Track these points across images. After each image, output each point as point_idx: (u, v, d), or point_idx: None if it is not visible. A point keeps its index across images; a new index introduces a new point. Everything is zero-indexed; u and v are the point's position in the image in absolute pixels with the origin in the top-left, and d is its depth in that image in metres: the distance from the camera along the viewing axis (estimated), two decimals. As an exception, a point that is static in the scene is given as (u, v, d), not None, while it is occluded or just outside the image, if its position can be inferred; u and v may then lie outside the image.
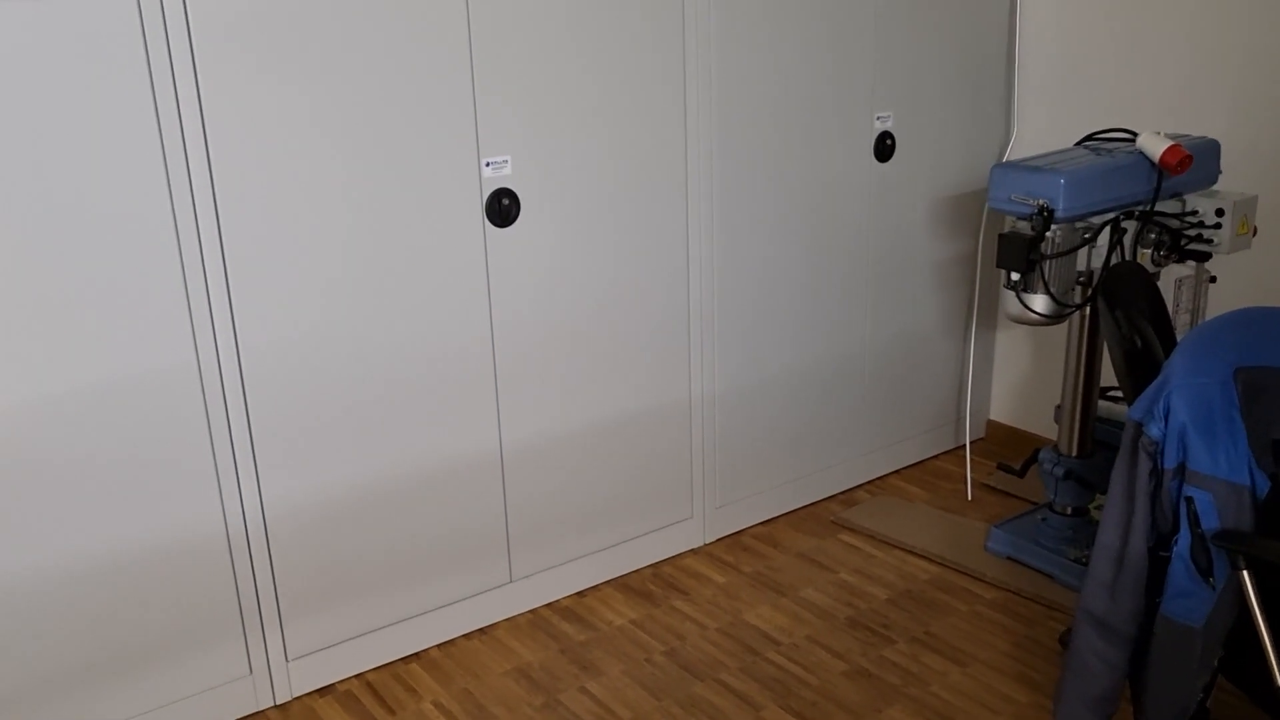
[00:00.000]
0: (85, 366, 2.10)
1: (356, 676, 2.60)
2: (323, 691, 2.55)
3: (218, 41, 2.10)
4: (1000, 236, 2.61)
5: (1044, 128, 3.37)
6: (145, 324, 2.15)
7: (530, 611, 2.85)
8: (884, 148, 3.17)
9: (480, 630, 2.77)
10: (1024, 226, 2.61)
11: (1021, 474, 3.07)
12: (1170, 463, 1.90)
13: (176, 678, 2.35)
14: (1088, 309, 2.79)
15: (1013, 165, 2.63)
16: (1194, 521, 1.88)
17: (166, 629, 2.32)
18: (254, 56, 2.14)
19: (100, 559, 2.20)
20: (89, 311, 2.08)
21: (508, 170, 2.50)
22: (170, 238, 2.14)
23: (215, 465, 2.29)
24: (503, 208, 2.51)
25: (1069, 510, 2.96)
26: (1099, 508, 3.00)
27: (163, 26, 2.04)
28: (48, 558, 2.14)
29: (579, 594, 2.92)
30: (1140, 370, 2.23)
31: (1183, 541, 1.92)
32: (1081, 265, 2.68)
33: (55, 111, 1.97)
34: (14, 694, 2.16)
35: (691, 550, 3.13)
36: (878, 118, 3.14)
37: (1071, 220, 2.60)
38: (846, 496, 3.42)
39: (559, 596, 2.90)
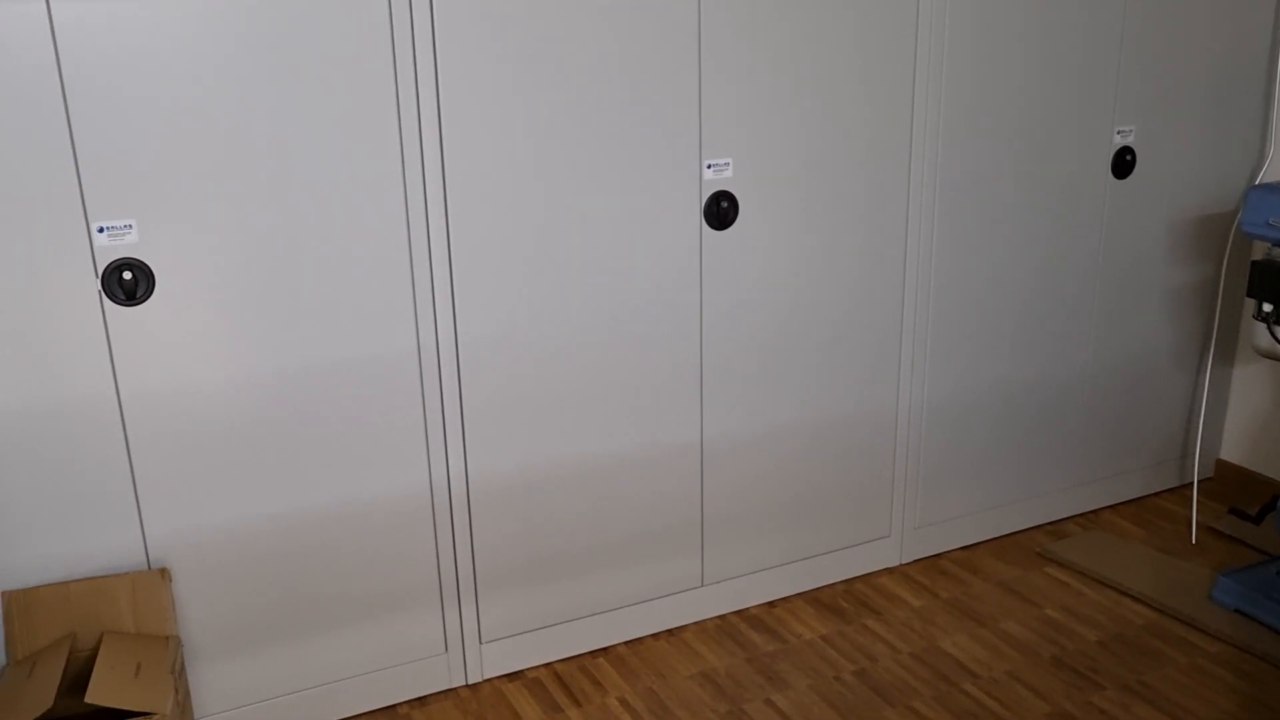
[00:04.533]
0: (323, 344, 2.21)
1: (545, 665, 2.64)
2: (512, 677, 2.60)
3: (457, 40, 2.16)
4: (1253, 264, 2.42)
5: (1306, 148, 3.11)
6: (376, 312, 2.23)
7: (719, 617, 2.82)
8: (1123, 163, 2.99)
9: (669, 631, 2.76)
10: (1281, 254, 2.42)
11: (1257, 520, 2.84)
12: None
13: (378, 646, 2.44)
14: (1348, 348, 2.55)
15: (1272, 187, 2.43)
16: None
17: (373, 596, 2.41)
18: (491, 56, 2.19)
19: (319, 520, 2.31)
20: (330, 297, 2.18)
21: (729, 173, 2.48)
22: (402, 234, 2.21)
23: (427, 443, 2.36)
24: (721, 210, 2.49)
25: (1310, 565, 2.72)
26: (1345, 565, 2.75)
27: (409, 25, 2.11)
28: (277, 510, 2.26)
29: (769, 604, 2.88)
30: None
31: None
32: (1345, 300, 2.46)
33: (306, 107, 2.07)
34: (216, 642, 2.29)
35: (886, 569, 3.04)
36: (1118, 132, 2.96)
37: (1338, 250, 2.39)
38: (1055, 528, 3.25)
39: (749, 605, 2.86)
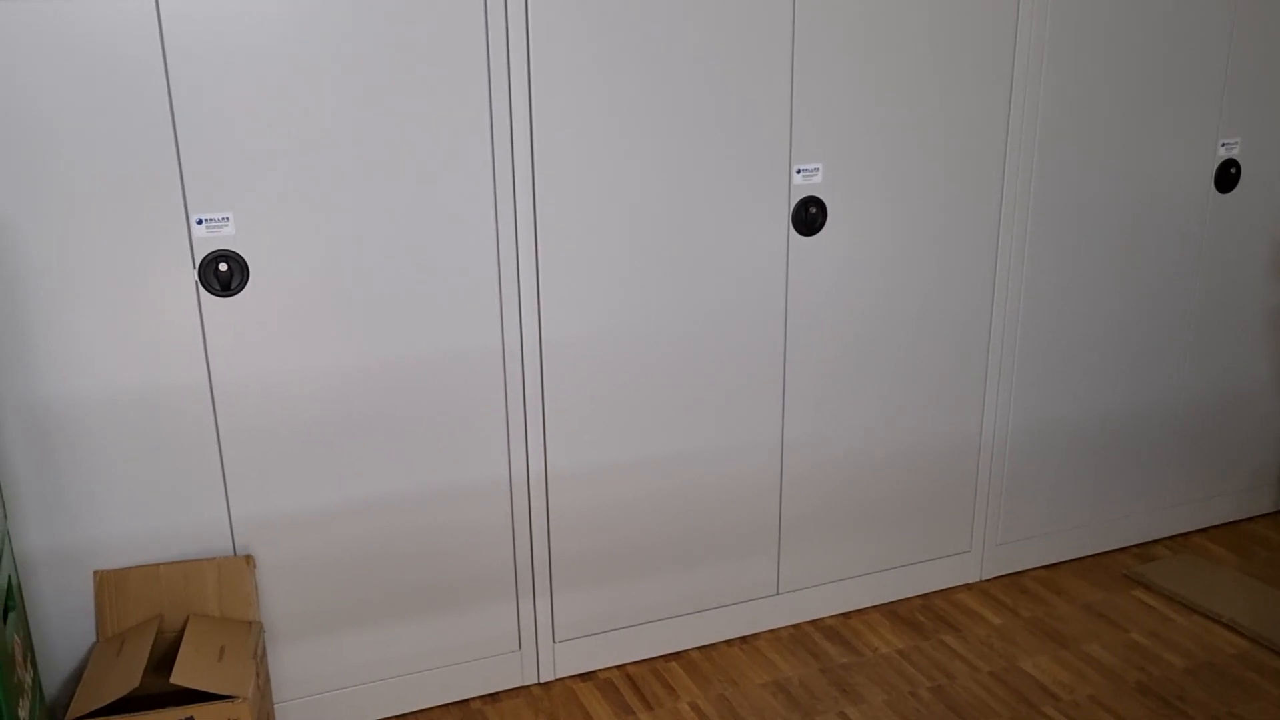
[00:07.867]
0: (408, 341, 2.23)
1: (618, 667, 2.64)
2: (584, 677, 2.60)
3: (551, 42, 2.16)
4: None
5: None
6: (462, 309, 2.25)
7: (793, 626, 2.79)
8: (1227, 176, 2.89)
9: (742, 638, 2.74)
10: (1396, 275, 2.31)
11: (1359, 552, 2.73)
12: None
13: (453, 641, 2.46)
14: None
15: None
16: None
17: (450, 592, 2.43)
18: (583, 58, 2.19)
19: (398, 513, 2.33)
20: (417, 296, 2.21)
21: (818, 178, 2.46)
22: (491, 233, 2.23)
23: (508, 440, 2.37)
24: (809, 216, 2.47)
25: None
26: None
27: (504, 28, 2.12)
28: (357, 501, 2.29)
29: (844, 615, 2.84)
30: None
31: None
32: None
33: (400, 109, 2.10)
34: (295, 628, 2.33)
35: (966, 585, 2.98)
36: (1223, 144, 2.86)
37: None
38: (1142, 550, 3.16)
39: (824, 615, 2.83)
